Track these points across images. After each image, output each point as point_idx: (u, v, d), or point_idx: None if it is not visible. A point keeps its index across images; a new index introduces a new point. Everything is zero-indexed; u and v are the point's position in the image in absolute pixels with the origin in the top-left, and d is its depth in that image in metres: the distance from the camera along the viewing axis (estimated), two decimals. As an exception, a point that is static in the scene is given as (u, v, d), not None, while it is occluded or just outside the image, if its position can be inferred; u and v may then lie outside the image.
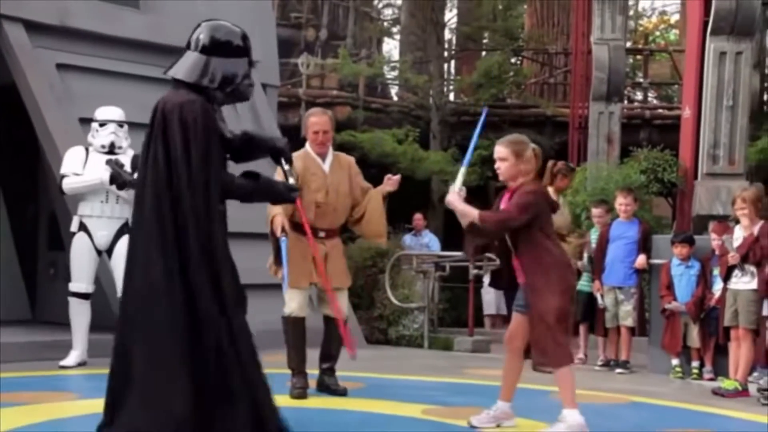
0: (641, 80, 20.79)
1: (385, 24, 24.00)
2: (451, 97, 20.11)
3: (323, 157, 6.71)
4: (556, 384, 5.56)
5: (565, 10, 19.94)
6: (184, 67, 4.63)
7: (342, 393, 6.78)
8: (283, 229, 6.28)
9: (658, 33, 29.92)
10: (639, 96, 21.60)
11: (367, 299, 10.97)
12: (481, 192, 17.88)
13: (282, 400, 5.10)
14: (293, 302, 6.59)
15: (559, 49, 19.98)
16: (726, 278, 7.96)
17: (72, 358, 7.94)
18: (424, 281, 11.18)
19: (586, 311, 9.36)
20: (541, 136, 15.05)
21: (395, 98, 20.60)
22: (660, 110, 18.96)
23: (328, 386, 6.82)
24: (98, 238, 7.95)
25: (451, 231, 16.48)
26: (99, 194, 7.96)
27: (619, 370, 8.94)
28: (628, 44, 18.30)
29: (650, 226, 10.20)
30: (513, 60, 20.78)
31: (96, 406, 6.05)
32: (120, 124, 8.09)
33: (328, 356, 6.81)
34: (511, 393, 5.74)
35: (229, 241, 4.56)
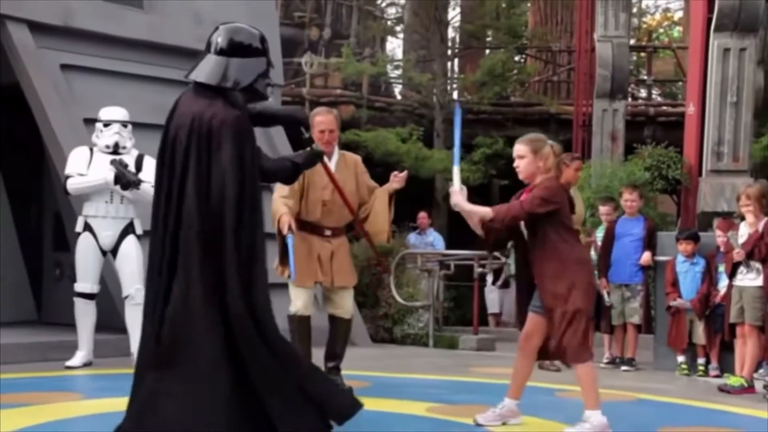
0: (645, 77, 20.77)
1: (389, 23, 23.97)
2: (455, 95, 20.10)
3: (329, 156, 6.69)
4: (579, 384, 5.51)
5: (568, 8, 19.94)
6: (205, 71, 4.69)
7: (347, 392, 6.77)
8: (290, 228, 6.27)
9: (661, 30, 29.88)
10: (643, 93, 21.56)
11: (372, 298, 10.98)
12: (484, 190, 17.92)
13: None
14: (299, 301, 6.59)
15: (563, 46, 19.97)
16: (731, 275, 7.95)
17: (78, 359, 7.95)
18: (429, 280, 11.18)
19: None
20: (545, 134, 14.99)
21: (399, 97, 20.61)
22: (664, 107, 18.94)
23: (334, 385, 6.81)
24: (103, 239, 7.95)
25: (455, 229, 16.50)
26: (103, 194, 7.96)
27: (624, 368, 8.94)
28: (632, 41, 18.29)
29: (655, 223, 10.19)
30: (516, 58, 20.76)
31: (102, 406, 6.10)
32: (124, 124, 8.09)
33: (334, 355, 6.80)
34: (519, 391, 5.71)
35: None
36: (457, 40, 21.35)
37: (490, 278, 13.53)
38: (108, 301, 8.49)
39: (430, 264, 11.42)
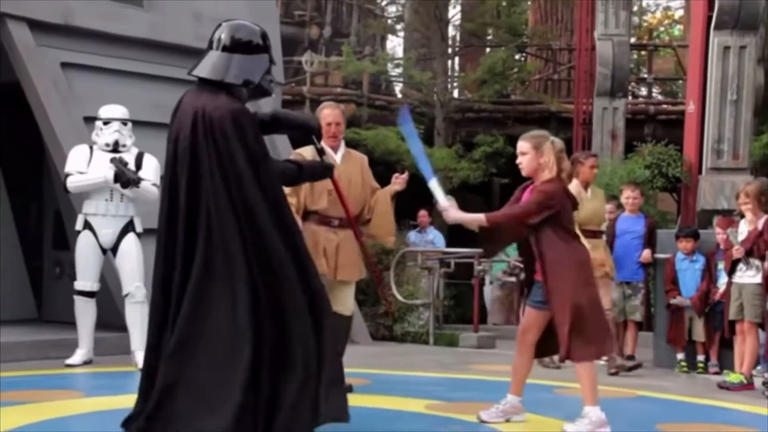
0: (645, 76, 20.78)
1: (389, 21, 23.94)
2: (456, 93, 20.11)
3: (335, 149, 6.71)
4: (578, 380, 5.54)
5: (568, 6, 19.94)
6: (208, 66, 4.71)
7: (348, 389, 6.76)
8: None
9: (662, 28, 29.88)
10: (643, 91, 21.59)
11: (372, 296, 10.97)
12: (485, 188, 17.94)
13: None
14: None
15: (563, 45, 19.97)
16: (731, 272, 7.96)
17: (78, 357, 7.95)
18: (429, 278, 11.18)
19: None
20: (545, 132, 15.05)
21: (399, 95, 20.61)
22: (664, 105, 18.96)
23: (334, 382, 6.80)
24: (103, 237, 7.96)
25: (455, 228, 16.50)
26: (103, 192, 7.96)
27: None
28: (632, 40, 18.30)
29: (655, 221, 10.20)
30: (517, 56, 20.78)
31: (102, 404, 6.12)
32: (124, 122, 8.09)
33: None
34: (521, 387, 5.74)
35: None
36: (458, 38, 21.36)
37: (488, 277, 13.55)
38: (108, 299, 8.49)
39: (431, 262, 11.42)
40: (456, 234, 14.71)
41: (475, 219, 5.57)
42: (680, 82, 20.71)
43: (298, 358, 4.49)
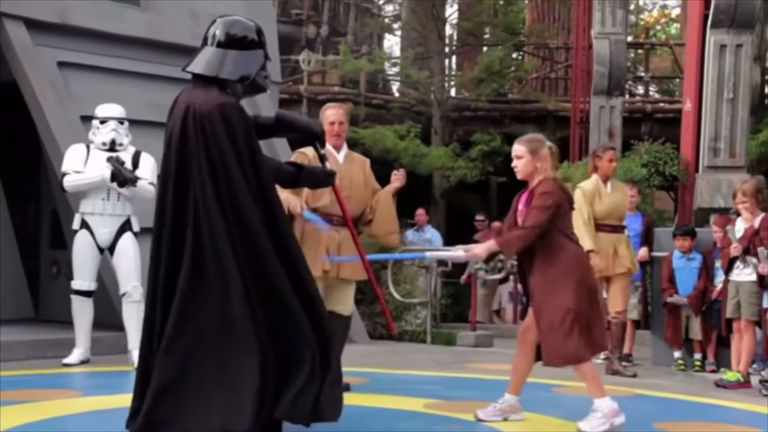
0: (642, 74, 20.79)
1: (386, 20, 23.94)
2: (453, 92, 20.12)
3: (338, 149, 6.71)
4: (581, 379, 5.57)
5: (565, 5, 19.95)
6: (203, 62, 4.69)
7: (345, 388, 6.76)
8: (302, 208, 6.21)
9: (658, 27, 29.88)
10: (640, 90, 21.59)
11: (370, 295, 10.96)
12: (482, 187, 17.95)
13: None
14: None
15: (560, 43, 19.98)
16: (728, 270, 7.97)
17: (75, 356, 7.94)
18: (427, 277, 11.18)
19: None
20: (542, 131, 14.98)
21: (396, 94, 20.62)
22: (661, 104, 18.97)
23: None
24: (100, 236, 7.95)
25: (453, 226, 16.53)
26: (100, 192, 7.95)
27: (623, 363, 8.93)
28: (629, 38, 18.29)
29: (652, 219, 10.21)
30: (514, 55, 20.78)
31: (99, 403, 6.11)
32: (120, 121, 8.08)
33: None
34: (519, 387, 5.74)
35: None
36: (455, 37, 21.38)
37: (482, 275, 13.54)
38: (105, 299, 8.48)
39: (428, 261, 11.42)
40: (453, 232, 14.74)
41: (490, 247, 5.58)
42: (677, 80, 20.73)
43: (305, 351, 4.48)
